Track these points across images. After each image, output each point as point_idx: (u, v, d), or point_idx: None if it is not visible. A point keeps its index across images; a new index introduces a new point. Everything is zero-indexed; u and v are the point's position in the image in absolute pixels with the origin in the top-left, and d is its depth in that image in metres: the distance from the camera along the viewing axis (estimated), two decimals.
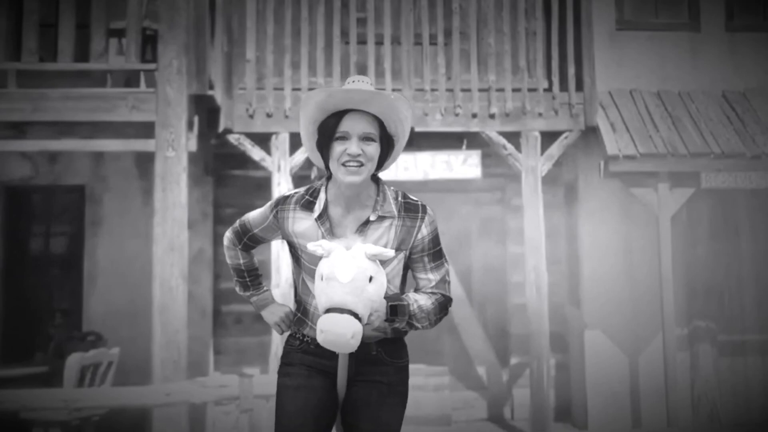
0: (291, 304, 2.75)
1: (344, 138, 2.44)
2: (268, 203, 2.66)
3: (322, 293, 2.30)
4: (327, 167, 2.53)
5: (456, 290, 8.60)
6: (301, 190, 2.60)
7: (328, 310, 2.27)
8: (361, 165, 2.43)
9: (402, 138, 2.55)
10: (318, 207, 2.52)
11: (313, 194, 2.56)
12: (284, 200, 2.59)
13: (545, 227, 7.60)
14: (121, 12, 6.72)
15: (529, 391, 7.65)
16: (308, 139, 2.56)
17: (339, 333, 2.22)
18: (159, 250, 6.22)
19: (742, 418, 7.93)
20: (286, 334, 2.70)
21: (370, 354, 2.53)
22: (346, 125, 2.44)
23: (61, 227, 8.60)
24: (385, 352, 2.56)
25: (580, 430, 8.08)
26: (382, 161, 2.53)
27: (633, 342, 8.12)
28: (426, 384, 7.26)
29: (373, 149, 2.46)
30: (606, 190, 8.11)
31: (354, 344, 2.24)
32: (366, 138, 2.45)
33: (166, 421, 5.99)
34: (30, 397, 5.55)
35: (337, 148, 2.44)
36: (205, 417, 6.20)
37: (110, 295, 7.96)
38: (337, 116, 2.46)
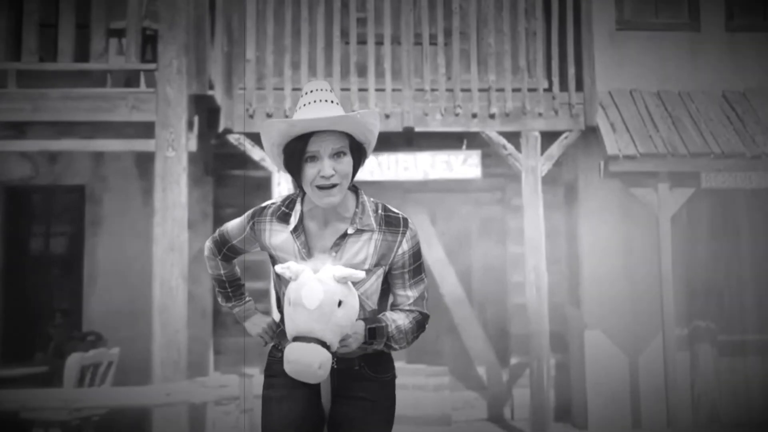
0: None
1: (315, 158, 2.31)
2: (245, 214, 2.55)
3: (290, 320, 2.20)
4: (299, 185, 2.40)
5: (456, 290, 8.60)
6: (278, 200, 2.51)
7: (294, 339, 2.17)
8: (336, 185, 2.31)
9: (373, 142, 2.44)
10: (293, 219, 2.42)
11: (290, 206, 2.46)
12: (260, 212, 2.50)
13: (545, 227, 7.60)
14: (121, 12, 6.72)
15: (529, 391, 7.65)
16: (274, 158, 2.43)
17: (305, 363, 2.13)
18: (159, 250, 6.22)
19: (742, 418, 7.93)
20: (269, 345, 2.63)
21: (352, 369, 2.44)
22: (315, 145, 2.30)
23: (61, 227, 8.60)
24: (368, 367, 2.45)
25: (580, 430, 8.08)
26: (356, 171, 2.41)
27: (633, 342, 8.11)
28: (426, 384, 7.27)
29: (346, 164, 2.33)
30: (606, 190, 8.11)
31: (322, 374, 2.15)
32: (338, 153, 2.32)
33: (166, 421, 5.99)
34: (30, 397, 5.55)
35: (309, 170, 2.31)
36: (205, 417, 6.20)
37: (110, 295, 7.96)
38: (304, 137, 2.31)
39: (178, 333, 6.13)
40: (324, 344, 2.15)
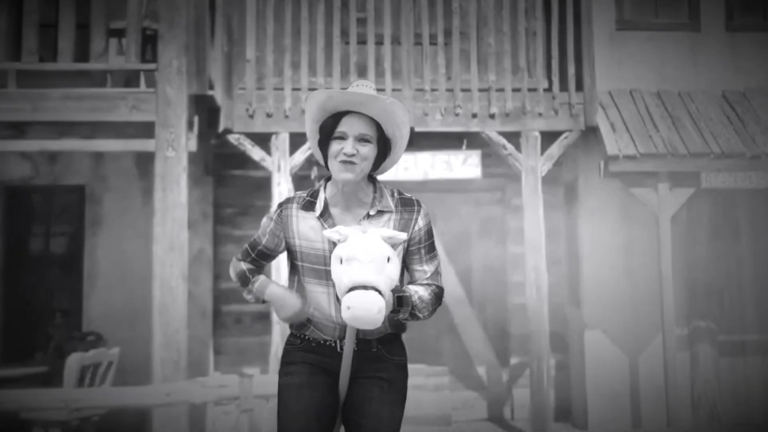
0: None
1: (342, 138, 2.56)
2: (268, 213, 2.76)
3: (344, 274, 2.38)
4: (326, 165, 2.63)
5: (456, 290, 8.60)
6: (301, 192, 2.71)
7: (352, 288, 2.34)
8: (356, 164, 2.54)
9: (400, 141, 2.65)
10: (319, 206, 2.62)
11: (313, 195, 2.66)
12: (287, 201, 2.70)
13: (545, 227, 7.60)
14: (121, 12, 6.72)
15: (529, 391, 7.64)
16: (311, 137, 2.68)
17: (365, 308, 2.30)
18: (159, 250, 6.22)
19: (742, 418, 7.93)
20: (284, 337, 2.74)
21: (370, 351, 2.61)
22: (344, 126, 2.56)
23: (61, 227, 8.60)
24: (384, 349, 2.64)
25: (580, 430, 8.08)
26: (380, 163, 2.64)
27: (633, 342, 8.12)
28: (426, 384, 7.25)
29: (369, 150, 2.57)
30: (606, 190, 8.11)
31: (380, 319, 2.32)
32: (362, 139, 2.56)
33: (166, 421, 5.99)
34: (30, 397, 5.55)
35: (335, 146, 2.56)
36: (205, 417, 6.20)
37: (110, 295, 7.96)
38: (337, 117, 2.58)
39: (178, 333, 6.13)
40: (380, 293, 2.35)
